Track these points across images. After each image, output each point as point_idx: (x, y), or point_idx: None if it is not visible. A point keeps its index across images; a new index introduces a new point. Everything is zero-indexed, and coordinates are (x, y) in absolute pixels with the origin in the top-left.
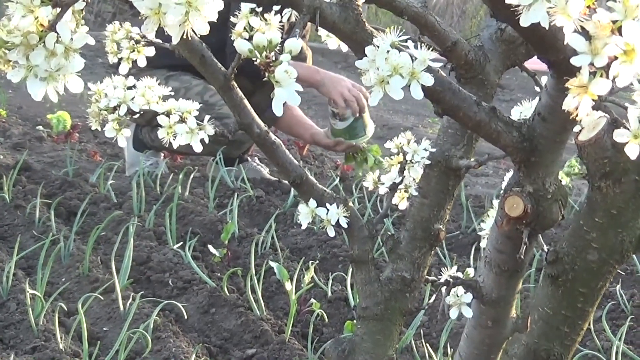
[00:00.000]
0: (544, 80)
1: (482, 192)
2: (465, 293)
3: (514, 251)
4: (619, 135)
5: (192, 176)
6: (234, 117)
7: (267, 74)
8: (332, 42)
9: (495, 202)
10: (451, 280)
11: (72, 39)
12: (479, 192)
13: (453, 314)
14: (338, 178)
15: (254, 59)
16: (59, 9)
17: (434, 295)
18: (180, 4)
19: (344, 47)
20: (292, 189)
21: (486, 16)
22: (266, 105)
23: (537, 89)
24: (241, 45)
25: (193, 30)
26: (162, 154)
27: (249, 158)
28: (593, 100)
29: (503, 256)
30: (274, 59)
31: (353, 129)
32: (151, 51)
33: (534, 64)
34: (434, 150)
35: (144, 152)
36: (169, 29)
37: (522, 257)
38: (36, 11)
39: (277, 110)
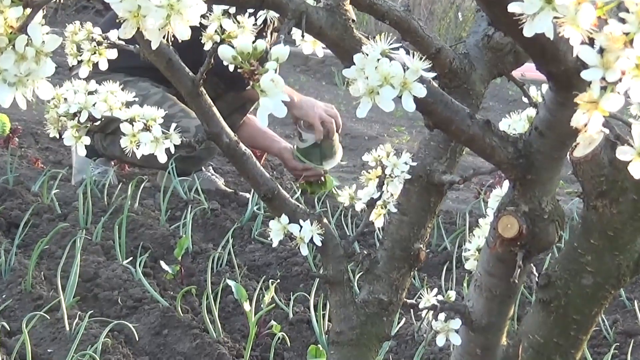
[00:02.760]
0: (532, 90)
1: (453, 208)
2: (452, 319)
3: (506, 275)
4: (622, 153)
5: (142, 186)
6: (193, 130)
7: (251, 83)
8: (307, 46)
9: (483, 221)
10: (438, 304)
11: (43, 41)
12: (449, 207)
13: (440, 341)
14: (299, 191)
15: (238, 66)
16: (29, 10)
17: (404, 319)
18: (162, 7)
19: (320, 52)
20: (250, 201)
21: (456, 18)
22: (227, 113)
23: (526, 100)
24: (224, 52)
25: (174, 35)
26: (112, 163)
27: (202, 167)
28: (604, 116)
29: (494, 280)
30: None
31: (319, 148)
32: (113, 53)
33: (530, 71)
34: (414, 164)
35: (94, 160)
36: (147, 34)
37: (516, 281)
38: (5, 12)
39: (263, 121)
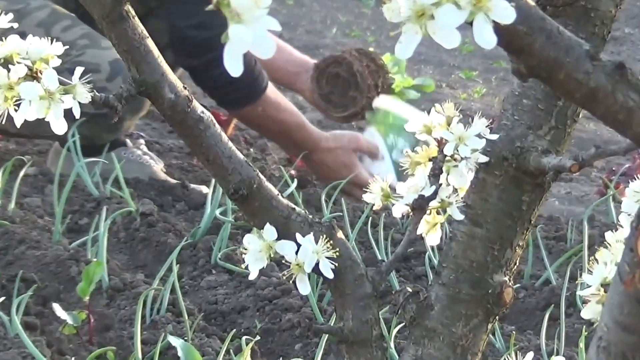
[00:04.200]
0: None
1: (561, 212)
2: None
3: None
4: None
5: (21, 174)
6: (106, 68)
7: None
8: None
9: (613, 235)
10: None
11: None
12: (555, 211)
13: None
14: (294, 182)
15: None
16: None
17: None
18: None
19: None
20: (210, 199)
21: None
22: (164, 42)
23: None
24: None
25: None
26: None
27: (127, 140)
28: None
29: (633, 338)
30: None
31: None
32: None
33: None
34: (495, 137)
35: None
36: None
37: None
38: None
39: (232, 66)
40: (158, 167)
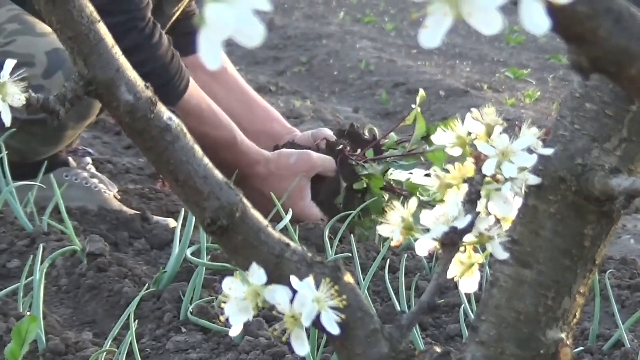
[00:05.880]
0: None
1: (636, 252)
2: None
3: None
4: None
5: None
6: (43, 60)
7: None
8: None
9: None
10: None
11: None
12: (629, 250)
13: None
14: (289, 213)
15: None
16: None
17: None
18: None
19: None
20: (177, 236)
21: None
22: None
23: None
24: None
25: None
26: None
27: (70, 159)
28: None
29: None
30: None
31: None
32: None
33: None
34: (549, 152)
35: None
36: None
37: None
38: None
39: (210, 57)
40: (110, 193)
